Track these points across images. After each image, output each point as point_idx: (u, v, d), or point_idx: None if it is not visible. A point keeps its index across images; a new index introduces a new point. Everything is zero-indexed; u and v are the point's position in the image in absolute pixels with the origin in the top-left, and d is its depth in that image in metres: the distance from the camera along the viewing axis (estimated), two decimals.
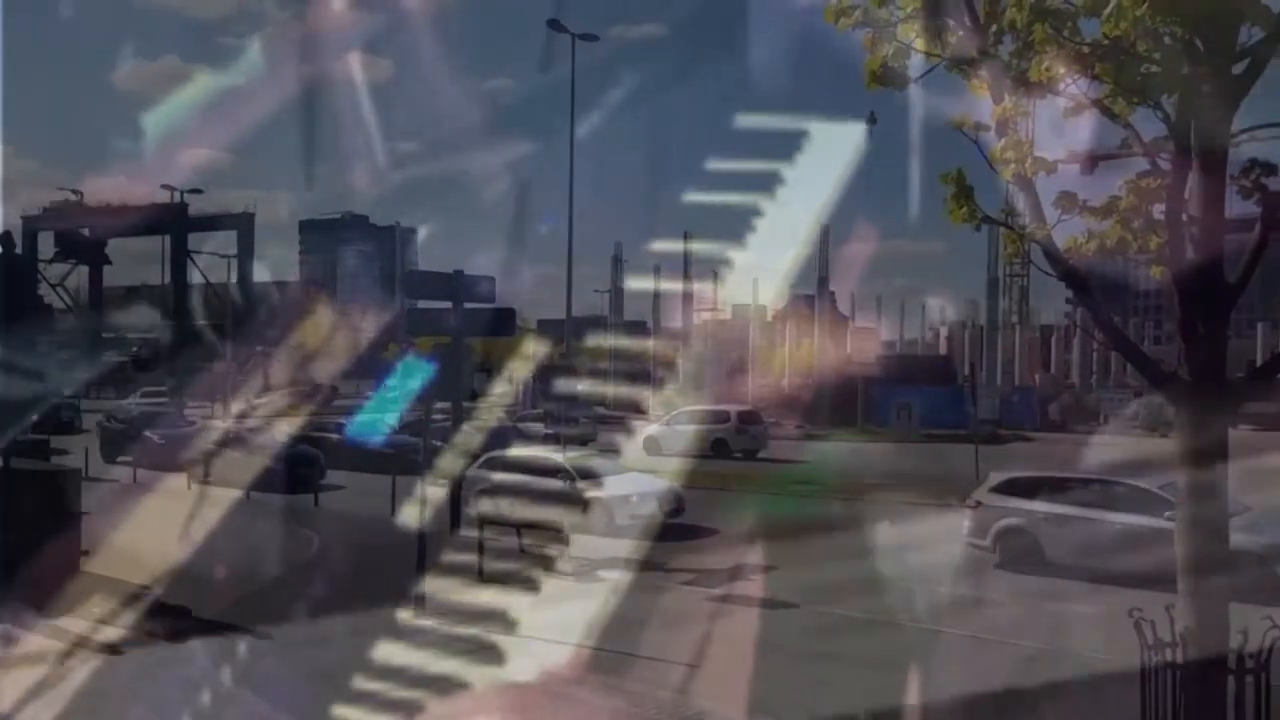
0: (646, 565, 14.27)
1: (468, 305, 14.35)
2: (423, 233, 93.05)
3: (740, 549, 15.14)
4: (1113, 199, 5.84)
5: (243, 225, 79.90)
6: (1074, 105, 5.86)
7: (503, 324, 16.62)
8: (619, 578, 13.51)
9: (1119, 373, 50.92)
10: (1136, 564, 10.87)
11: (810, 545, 15.22)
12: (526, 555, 14.68)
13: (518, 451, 19.57)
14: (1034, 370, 54.72)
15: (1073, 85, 5.79)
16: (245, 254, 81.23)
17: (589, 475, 17.90)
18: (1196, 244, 5.41)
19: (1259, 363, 7.37)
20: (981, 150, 5.97)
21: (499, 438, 22.55)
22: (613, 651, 9.99)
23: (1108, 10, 4.89)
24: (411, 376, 14.60)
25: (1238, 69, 5.35)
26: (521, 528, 15.26)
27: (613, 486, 17.59)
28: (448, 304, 14.23)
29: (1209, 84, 5.27)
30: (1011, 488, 14.47)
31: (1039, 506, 13.87)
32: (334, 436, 26.78)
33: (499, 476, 17.96)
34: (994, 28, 5.73)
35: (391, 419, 24.37)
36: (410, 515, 12.65)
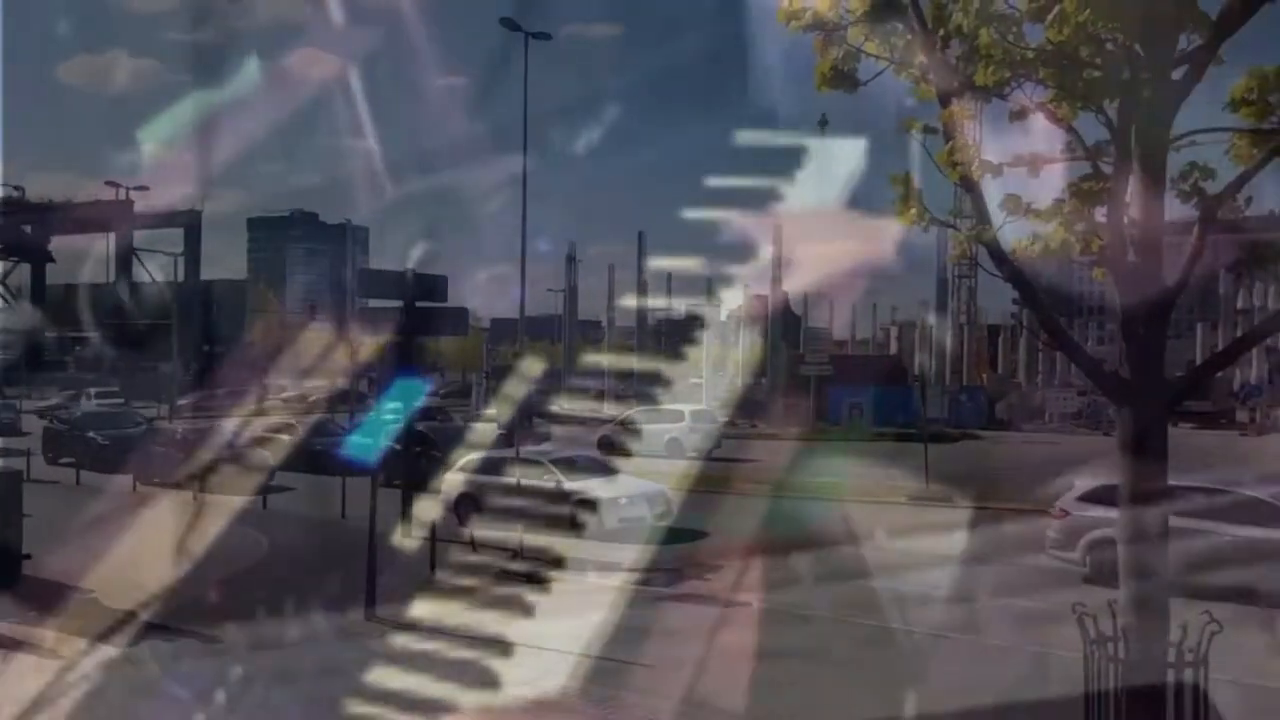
0: (609, 566, 14.20)
1: (420, 304, 14.27)
2: (374, 231, 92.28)
3: (726, 553, 14.96)
4: (1056, 202, 5.96)
5: (189, 223, 78.50)
6: (1019, 109, 5.96)
7: (455, 323, 16.56)
8: (591, 580, 13.44)
9: (1064, 372, 51.83)
10: (1250, 579, 10.40)
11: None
12: (479, 555, 14.61)
13: (500, 453, 19.07)
14: (981, 370, 55.54)
15: (1018, 89, 5.89)
16: (192, 252, 79.83)
17: (576, 477, 17.48)
18: (1136, 246, 5.52)
19: (1198, 362, 7.53)
20: (930, 153, 6.06)
21: (455, 438, 22.29)
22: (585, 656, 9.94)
23: (1051, 16, 4.98)
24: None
25: (1177, 74, 5.48)
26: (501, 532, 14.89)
27: (601, 488, 17.15)
28: (399, 303, 14.14)
29: (1149, 89, 5.39)
30: (1103, 496, 12.92)
31: None
32: (285, 437, 26.39)
33: (481, 479, 17.65)
34: (941, 32, 5.81)
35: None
36: (362, 518, 12.51)
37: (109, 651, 10.05)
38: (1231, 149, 5.73)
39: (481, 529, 15.32)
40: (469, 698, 8.76)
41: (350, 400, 26.89)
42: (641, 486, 17.88)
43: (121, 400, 44.11)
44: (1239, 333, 37.15)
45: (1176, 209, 5.74)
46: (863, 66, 6.38)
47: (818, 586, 12.86)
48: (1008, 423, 43.47)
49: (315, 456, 23.44)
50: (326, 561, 13.84)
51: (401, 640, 10.55)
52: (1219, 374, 33.86)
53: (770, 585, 13.03)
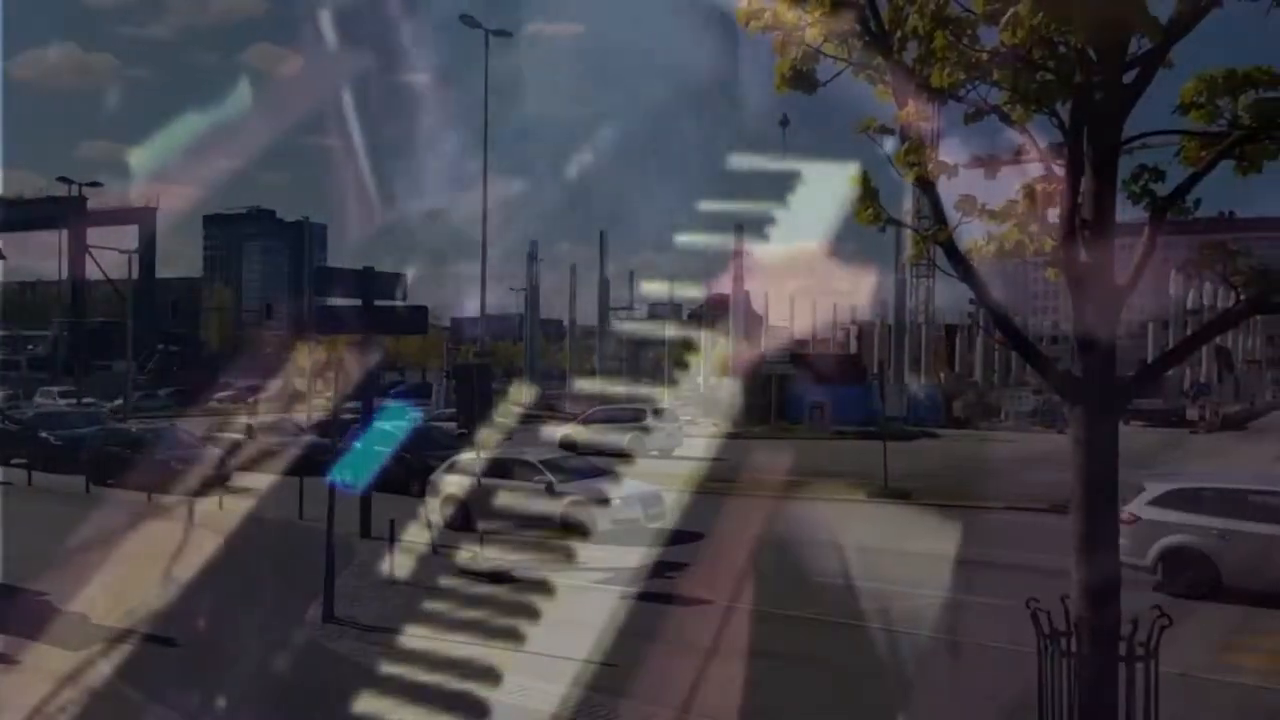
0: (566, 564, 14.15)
1: (378, 303, 14.19)
2: (332, 229, 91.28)
3: (692, 552, 14.89)
4: (1010, 203, 6.03)
5: (144, 219, 77.17)
6: (974, 111, 6.02)
7: (414, 322, 16.47)
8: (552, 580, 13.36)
9: (1020, 371, 52.47)
10: None
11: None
12: (438, 556, 14.54)
13: (486, 454, 18.26)
14: (939, 369, 56.04)
15: (973, 91, 5.95)
16: (147, 249, 78.54)
17: (566, 477, 17.07)
18: (1088, 247, 5.60)
19: (1148, 361, 7.66)
20: (887, 154, 6.11)
21: (423, 439, 22.00)
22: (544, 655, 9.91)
23: (1005, 19, 5.03)
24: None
25: (1128, 78, 5.56)
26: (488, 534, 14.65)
27: (594, 490, 16.73)
28: (357, 301, 14.04)
29: (1101, 92, 5.46)
30: (1177, 500, 12.71)
31: (1214, 522, 12.27)
32: (241, 437, 26.05)
33: (467, 481, 17.25)
34: (898, 34, 5.86)
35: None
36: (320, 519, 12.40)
37: (64, 655, 9.87)
38: (1181, 152, 5.83)
39: (449, 532, 15.18)
40: (420, 697, 8.72)
41: (307, 400, 26.63)
42: (637, 488, 17.41)
43: (76, 400, 43.27)
44: (1189, 332, 37.86)
45: (1128, 210, 5.83)
46: (823, 68, 6.41)
47: (798, 587, 12.70)
48: (965, 421, 43.92)
49: (274, 457, 23.16)
50: (283, 565, 13.68)
51: (358, 643, 10.49)
52: (1170, 373, 34.46)
53: (739, 589, 12.84)
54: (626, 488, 17.28)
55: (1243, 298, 5.54)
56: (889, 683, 9.25)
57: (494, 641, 10.18)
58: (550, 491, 16.55)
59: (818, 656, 10.16)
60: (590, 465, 18.95)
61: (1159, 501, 12.81)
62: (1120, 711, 5.71)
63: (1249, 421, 40.90)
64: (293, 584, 12.33)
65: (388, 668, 9.58)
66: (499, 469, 17.37)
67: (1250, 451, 28.95)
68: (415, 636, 10.36)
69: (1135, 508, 12.70)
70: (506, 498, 16.28)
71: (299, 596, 11.71)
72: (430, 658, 9.57)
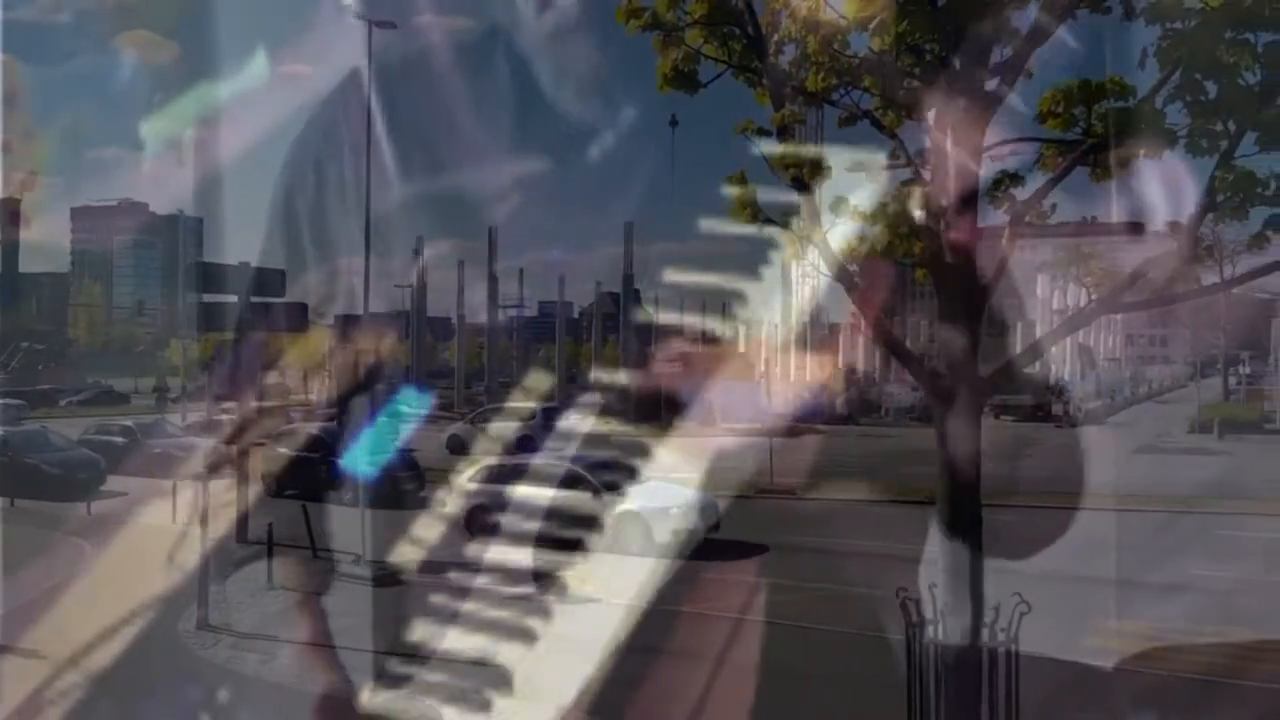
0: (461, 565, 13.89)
1: (256, 300, 13.73)
2: (209, 223, 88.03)
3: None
4: (881, 205, 6.20)
5: (7, 211, 73.29)
6: (848, 116, 6.19)
7: (293, 319, 15.99)
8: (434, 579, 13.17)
9: (900, 368, 53.93)
10: None
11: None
12: (320, 561, 14.18)
13: (521, 460, 16.95)
14: (824, 366, 57.31)
15: (847, 96, 6.11)
16: (9, 243, 74.63)
17: (611, 485, 15.50)
18: (953, 248, 5.80)
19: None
20: (760, 155, 6.23)
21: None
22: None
23: (873, 26, 5.18)
24: None
25: (991, 85, 5.79)
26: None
27: (644, 498, 15.20)
28: (234, 298, 13.59)
29: (964, 99, 5.67)
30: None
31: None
32: (118, 440, 24.87)
33: (502, 489, 15.69)
34: (775, 37, 5.98)
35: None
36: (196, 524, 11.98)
37: None
38: (1040, 159, 6.10)
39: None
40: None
41: (182, 400, 25.66)
42: (688, 495, 15.67)
43: None
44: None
45: (990, 214, 6.06)
46: (705, 68, 6.50)
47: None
48: (847, 417, 44.99)
49: (154, 459, 22.24)
50: (155, 572, 13.15)
51: (231, 649, 10.20)
52: (1036, 369, 35.96)
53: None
54: (676, 495, 15.67)
55: (1093, 298, 5.82)
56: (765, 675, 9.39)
57: (369, 646, 10.03)
58: (599, 504, 15.06)
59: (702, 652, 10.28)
60: (628, 469, 17.01)
61: None
62: (983, 694, 5.94)
63: (1109, 416, 43.06)
64: (166, 592, 11.88)
65: (261, 674, 9.34)
66: (536, 474, 15.96)
67: (1100, 441, 30.48)
68: (290, 643, 10.12)
69: None
70: (545, 506, 14.77)
71: (172, 604, 11.32)
72: (305, 664, 9.38)
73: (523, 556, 13.27)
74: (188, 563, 11.48)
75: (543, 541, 13.79)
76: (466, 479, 16.71)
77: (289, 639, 10.37)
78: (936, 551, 6.03)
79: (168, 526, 16.51)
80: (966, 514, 5.93)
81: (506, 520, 14.73)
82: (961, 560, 5.89)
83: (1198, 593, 11.61)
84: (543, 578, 12.50)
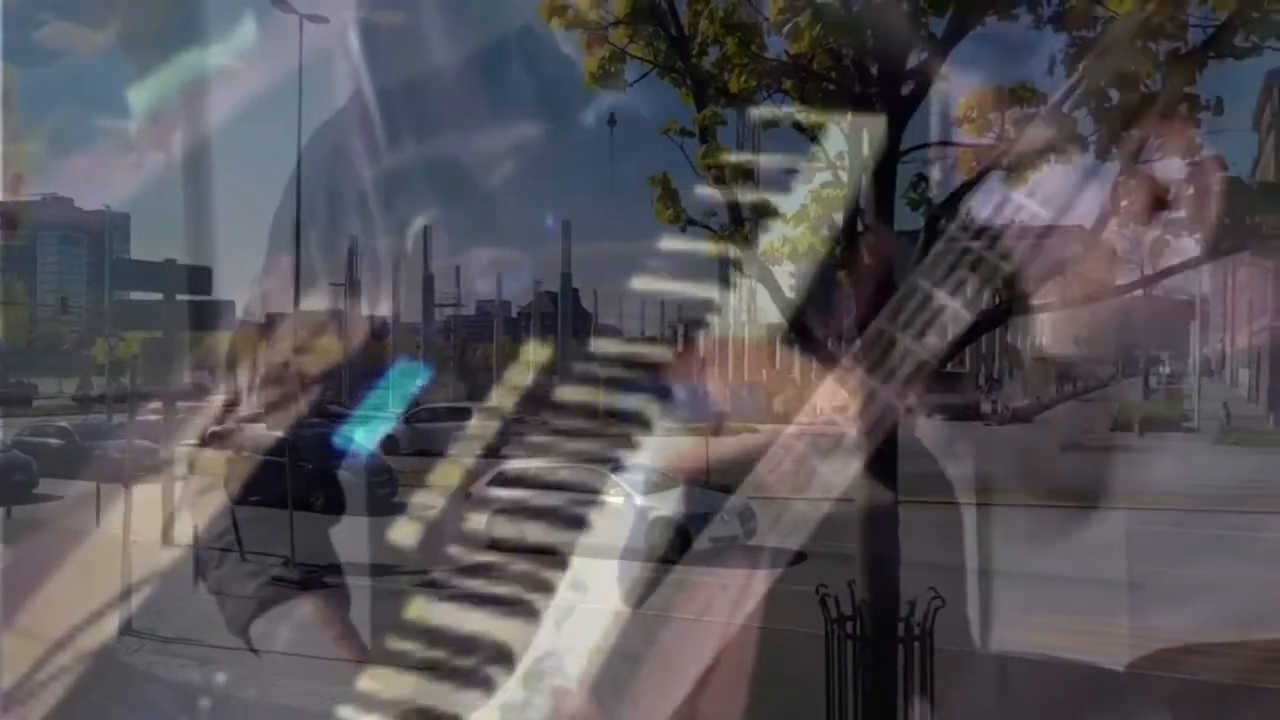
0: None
1: (181, 297, 13.55)
2: (136, 219, 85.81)
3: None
4: (802, 207, 6.28)
5: None
6: (770, 118, 6.25)
7: (220, 318, 15.75)
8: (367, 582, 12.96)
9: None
10: None
11: None
12: (249, 563, 13.94)
13: (541, 463, 16.35)
14: (762, 366, 57.77)
15: (769, 98, 6.18)
16: None
17: (643, 488, 15.10)
18: (869, 251, 5.90)
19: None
20: (687, 155, 6.26)
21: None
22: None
23: (789, 28, 5.24)
24: None
25: (906, 89, 5.90)
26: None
27: (677, 503, 14.84)
28: (159, 295, 13.41)
29: (880, 102, 5.77)
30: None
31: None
32: (53, 441, 24.11)
33: (522, 495, 15.04)
34: (697, 38, 6.02)
35: None
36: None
37: None
38: (957, 162, 6.24)
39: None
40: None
41: (108, 400, 25.05)
42: (723, 499, 15.21)
43: None
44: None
45: (907, 217, 6.18)
46: (632, 67, 6.52)
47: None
48: (783, 416, 45.42)
49: (92, 460, 21.54)
50: (76, 577, 12.81)
51: (154, 656, 9.99)
52: (966, 369, 36.66)
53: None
54: (712, 500, 15.31)
55: (1004, 300, 5.97)
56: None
57: (298, 648, 9.89)
58: (632, 508, 14.70)
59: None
60: (656, 471, 16.55)
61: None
62: (899, 690, 6.06)
63: (1035, 415, 44.09)
64: (88, 596, 11.60)
65: (186, 679, 9.18)
66: (559, 479, 15.44)
67: (1028, 438, 31.21)
68: (216, 647, 9.96)
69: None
70: (572, 511, 14.11)
71: (93, 609, 11.05)
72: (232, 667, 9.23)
73: (544, 563, 12.36)
74: (111, 568, 11.19)
75: (564, 545, 13.03)
76: (485, 484, 16.20)
77: (213, 643, 10.20)
78: (855, 548, 6.12)
79: (91, 530, 16.11)
80: (881, 510, 6.03)
81: (530, 528, 13.97)
82: (877, 556, 5.99)
83: (1105, 585, 11.80)
84: (559, 584, 12.18)
